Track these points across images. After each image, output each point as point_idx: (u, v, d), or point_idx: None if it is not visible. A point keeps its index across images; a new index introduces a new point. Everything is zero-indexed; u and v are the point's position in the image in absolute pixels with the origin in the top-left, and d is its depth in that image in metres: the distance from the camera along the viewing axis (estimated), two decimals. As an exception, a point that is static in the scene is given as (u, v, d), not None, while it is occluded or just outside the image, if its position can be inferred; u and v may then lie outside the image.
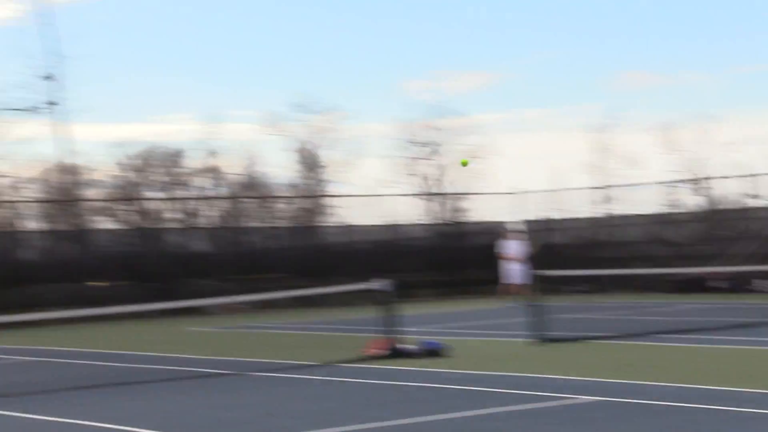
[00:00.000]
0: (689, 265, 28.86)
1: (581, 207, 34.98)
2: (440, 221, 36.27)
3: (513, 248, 26.82)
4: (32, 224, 32.72)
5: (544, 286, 19.44)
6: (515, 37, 56.89)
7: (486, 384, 12.74)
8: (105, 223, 34.75)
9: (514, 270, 26.48)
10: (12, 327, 24.36)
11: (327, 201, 36.94)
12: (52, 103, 34.25)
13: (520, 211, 33.85)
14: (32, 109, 34.56)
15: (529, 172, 58.86)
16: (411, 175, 38.03)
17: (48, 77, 33.69)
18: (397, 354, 15.44)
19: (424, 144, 37.85)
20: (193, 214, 35.55)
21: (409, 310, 21.86)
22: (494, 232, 31.82)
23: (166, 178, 38.24)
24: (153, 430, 10.08)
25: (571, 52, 55.19)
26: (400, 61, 57.98)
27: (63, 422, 10.85)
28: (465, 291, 32.32)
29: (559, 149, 52.96)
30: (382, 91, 56.70)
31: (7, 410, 11.48)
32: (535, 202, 34.73)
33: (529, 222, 33.22)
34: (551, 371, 13.35)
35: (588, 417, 10.02)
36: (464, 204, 36.69)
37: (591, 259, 30.36)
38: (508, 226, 30.18)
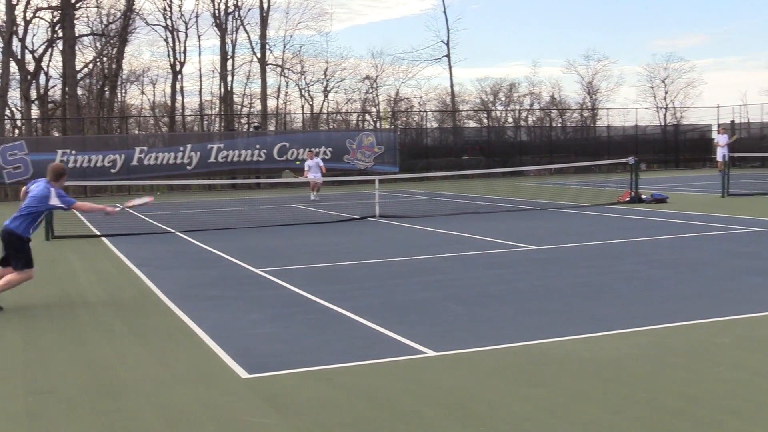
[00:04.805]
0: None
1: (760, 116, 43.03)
2: (668, 123, 45.78)
3: (721, 139, 30.80)
4: (432, 124, 45.20)
5: (733, 162, 23.65)
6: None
7: (690, 219, 14.96)
8: (471, 123, 47.34)
9: (720, 153, 30.14)
10: (420, 180, 32.74)
11: (599, 112, 49.36)
12: (444, 57, 48.29)
13: (725, 118, 42.12)
14: (434, 60, 49.48)
15: (727, 97, 68.14)
16: (650, 96, 51.21)
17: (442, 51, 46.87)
18: (637, 200, 19.03)
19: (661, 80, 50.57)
20: (522, 119, 46.57)
21: (646, 175, 27.03)
22: (702, 131, 39.64)
23: (507, 99, 51.11)
24: (499, 239, 11.84)
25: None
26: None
27: (434, 231, 13.72)
28: (681, 166, 40.71)
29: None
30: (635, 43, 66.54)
31: (408, 223, 15.56)
32: (732, 112, 42.69)
33: (731, 123, 40.49)
34: (732, 213, 15.82)
35: (753, 240, 11.98)
36: (684, 113, 48.07)
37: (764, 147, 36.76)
38: (720, 126, 35.21)
